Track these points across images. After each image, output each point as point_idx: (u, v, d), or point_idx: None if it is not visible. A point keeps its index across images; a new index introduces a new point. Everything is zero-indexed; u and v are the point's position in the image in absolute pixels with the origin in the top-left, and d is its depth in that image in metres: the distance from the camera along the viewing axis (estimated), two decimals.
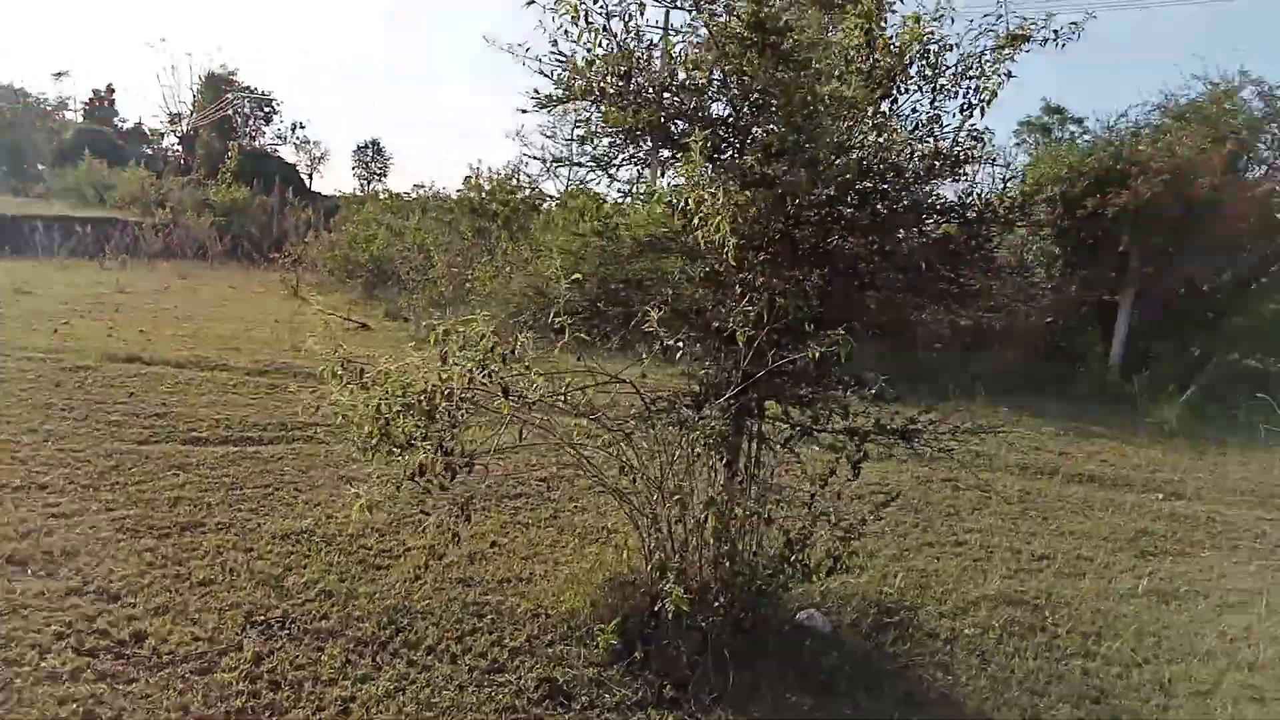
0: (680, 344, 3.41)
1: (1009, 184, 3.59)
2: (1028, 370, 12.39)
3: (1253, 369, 12.83)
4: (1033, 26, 3.70)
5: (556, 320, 3.07)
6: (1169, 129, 11.91)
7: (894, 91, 3.64)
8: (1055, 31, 3.76)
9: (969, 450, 8.16)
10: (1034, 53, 3.63)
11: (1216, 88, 11.66)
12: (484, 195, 16.03)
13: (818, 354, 3.13)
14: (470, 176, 16.46)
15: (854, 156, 3.29)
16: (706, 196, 2.81)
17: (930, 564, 5.03)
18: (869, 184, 3.34)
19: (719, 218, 2.76)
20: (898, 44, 3.55)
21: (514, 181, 16.72)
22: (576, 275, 3.06)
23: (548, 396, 3.02)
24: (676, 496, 3.30)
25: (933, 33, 3.57)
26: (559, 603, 3.90)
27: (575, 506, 5.48)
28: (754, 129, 3.52)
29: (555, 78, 3.72)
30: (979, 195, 3.58)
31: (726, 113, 3.60)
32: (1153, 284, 12.20)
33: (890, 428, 3.55)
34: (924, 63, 3.65)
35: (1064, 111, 17.03)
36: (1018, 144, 18.09)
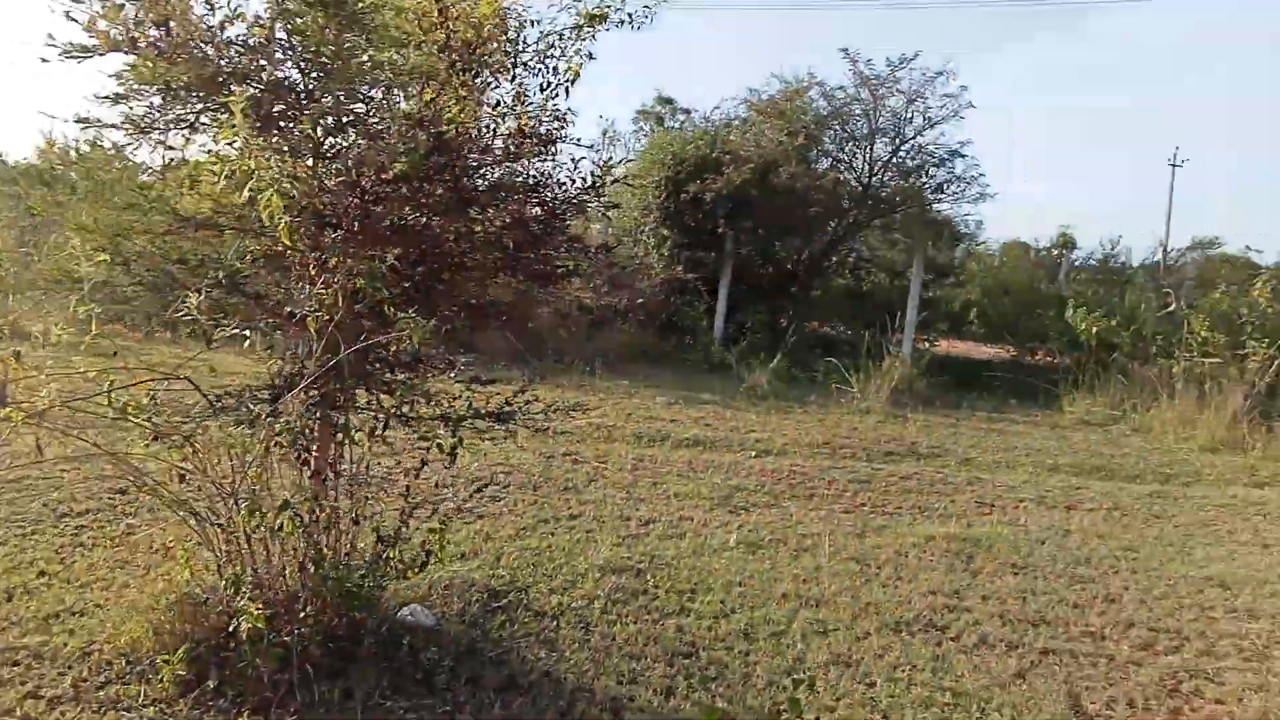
0: (246, 333, 3.06)
1: (578, 164, 3.65)
2: (646, 345, 13.23)
3: (828, 335, 14.77)
4: (609, 7, 3.79)
5: (80, 309, 2.60)
6: (754, 122, 13.25)
7: (476, 66, 3.53)
8: (629, 14, 3.89)
9: (590, 423, 8.56)
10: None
11: (790, 87, 13.18)
12: (58, 163, 13.77)
13: (415, 338, 2.95)
14: (47, 142, 14.08)
15: (431, 131, 3.14)
16: (256, 167, 2.50)
17: (545, 540, 5.08)
18: (446, 159, 3.19)
19: (270, 191, 2.46)
20: (475, 16, 3.44)
21: (100, 147, 14.53)
22: (103, 257, 2.60)
23: (67, 400, 2.54)
24: (247, 502, 2.95)
25: (509, 7, 3.51)
26: (117, 635, 3.36)
27: (154, 518, 4.82)
28: (323, 96, 3.24)
29: (85, 23, 3.16)
30: (549, 175, 3.59)
31: (292, 77, 3.28)
32: (747, 262, 13.55)
33: (485, 411, 3.48)
34: (504, 38, 3.59)
35: (674, 102, 18.46)
36: (635, 131, 19.36)
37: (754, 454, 8.00)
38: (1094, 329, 11.54)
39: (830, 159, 13.57)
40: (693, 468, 7.26)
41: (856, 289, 14.92)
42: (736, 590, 4.58)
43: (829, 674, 3.75)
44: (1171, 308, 11.89)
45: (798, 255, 13.67)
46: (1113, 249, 15.82)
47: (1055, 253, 19.64)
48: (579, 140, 3.90)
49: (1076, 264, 17.96)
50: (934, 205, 13.17)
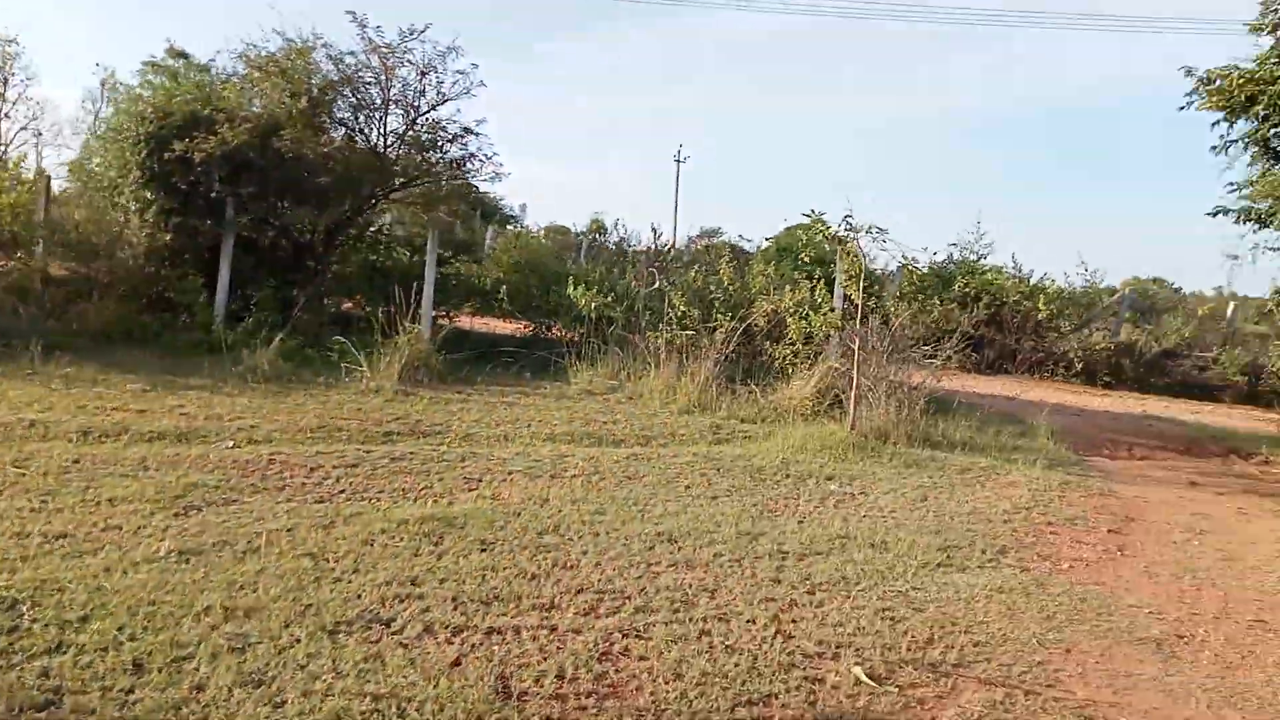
0: None
1: None
2: (130, 323, 11.59)
3: (350, 313, 14.09)
4: None
5: None
6: (254, 79, 12.09)
7: None
8: None
9: (19, 419, 7.12)
10: None
11: (293, 45, 12.18)
12: None
13: None
14: None
15: None
16: None
17: None
18: None
19: None
20: None
21: None
22: None
23: None
24: None
25: None
26: None
27: None
28: None
29: None
30: None
31: None
32: (255, 232, 12.34)
33: None
34: None
35: (189, 56, 16.43)
36: (142, 84, 16.92)
37: (231, 444, 7.20)
38: (592, 305, 12.29)
39: (344, 127, 12.81)
40: (145, 465, 6.29)
41: (380, 264, 14.39)
42: (145, 611, 3.89)
43: (231, 699, 3.29)
44: (656, 285, 13.07)
45: (313, 227, 12.73)
46: (625, 233, 17.21)
47: (590, 236, 21.05)
48: None
49: (598, 246, 19.27)
50: (450, 181, 13.08)
